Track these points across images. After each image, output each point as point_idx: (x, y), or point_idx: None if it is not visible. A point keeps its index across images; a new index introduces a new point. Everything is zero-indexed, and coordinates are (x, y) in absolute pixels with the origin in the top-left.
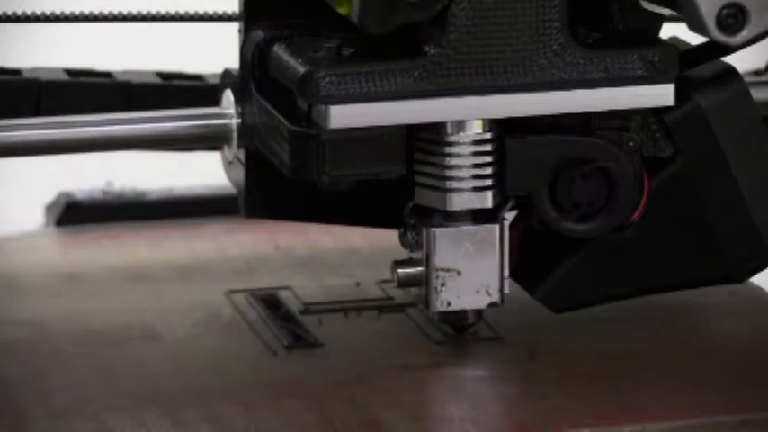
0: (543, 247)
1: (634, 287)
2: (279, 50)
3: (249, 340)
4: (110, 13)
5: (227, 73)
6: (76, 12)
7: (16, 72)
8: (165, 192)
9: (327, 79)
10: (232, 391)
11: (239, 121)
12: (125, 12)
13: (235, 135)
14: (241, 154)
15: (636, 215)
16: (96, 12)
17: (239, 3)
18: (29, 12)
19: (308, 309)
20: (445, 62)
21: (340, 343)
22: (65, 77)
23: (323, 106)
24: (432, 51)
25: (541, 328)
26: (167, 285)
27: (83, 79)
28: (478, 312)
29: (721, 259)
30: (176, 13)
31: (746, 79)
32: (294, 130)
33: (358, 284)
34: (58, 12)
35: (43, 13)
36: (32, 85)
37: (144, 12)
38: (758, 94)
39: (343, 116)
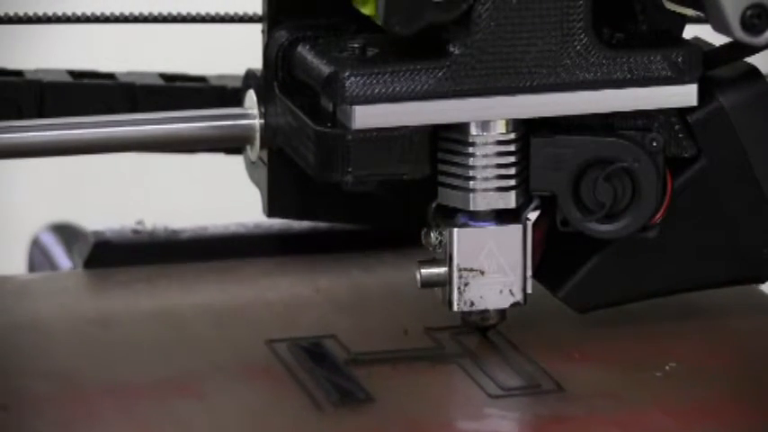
0: (567, 247)
1: (657, 287)
2: (303, 51)
3: (293, 394)
4: (112, 14)
5: (250, 73)
6: (78, 13)
7: (19, 73)
8: (199, 231)
9: (353, 79)
10: None
11: (263, 121)
12: (127, 13)
13: (258, 135)
14: (264, 154)
15: (659, 215)
16: (98, 13)
17: (262, 3)
18: (31, 13)
19: (354, 359)
20: (470, 62)
21: (390, 398)
22: (68, 79)
23: (348, 106)
24: (456, 51)
25: (602, 378)
26: (204, 334)
27: (86, 80)
28: (501, 312)
29: (745, 259)
30: (188, 14)
31: None
32: (319, 130)
33: (406, 332)
34: (60, 13)
35: (45, 14)
36: (35, 87)
37: (155, 13)
38: None
39: (368, 116)
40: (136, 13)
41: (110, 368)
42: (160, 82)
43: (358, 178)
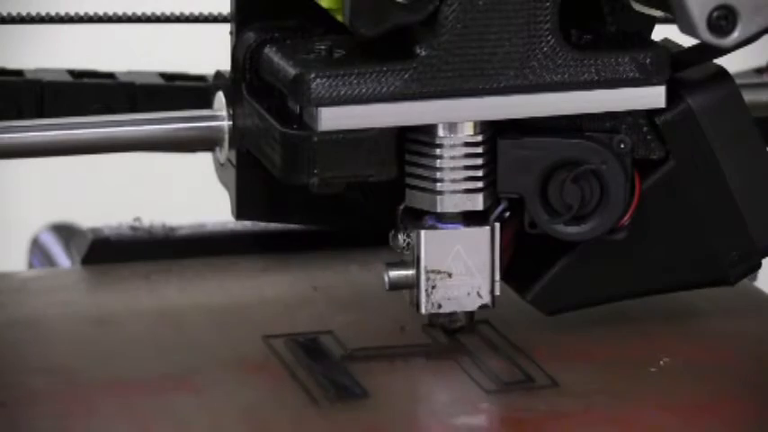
0: (535, 249)
1: (626, 290)
2: (270, 52)
3: (290, 390)
4: (114, 14)
5: (218, 75)
6: (81, 13)
7: (19, 73)
8: (197, 228)
9: (318, 81)
10: None
11: (231, 123)
12: (129, 13)
13: (226, 137)
14: (233, 156)
15: (627, 217)
16: (101, 13)
17: (231, 5)
18: (33, 13)
19: (351, 355)
20: (436, 64)
21: (387, 393)
22: (68, 78)
23: (314, 108)
24: (423, 53)
25: (598, 374)
26: (201, 330)
27: (86, 80)
28: (470, 314)
29: (713, 261)
30: (171, 14)
31: (740, 81)
32: (285, 131)
33: (403, 329)
34: (62, 13)
35: (48, 14)
36: (35, 87)
37: (149, 13)
38: (751, 96)
39: (333, 118)
40: (139, 13)
41: (107, 364)
42: (160, 81)
43: (324, 180)
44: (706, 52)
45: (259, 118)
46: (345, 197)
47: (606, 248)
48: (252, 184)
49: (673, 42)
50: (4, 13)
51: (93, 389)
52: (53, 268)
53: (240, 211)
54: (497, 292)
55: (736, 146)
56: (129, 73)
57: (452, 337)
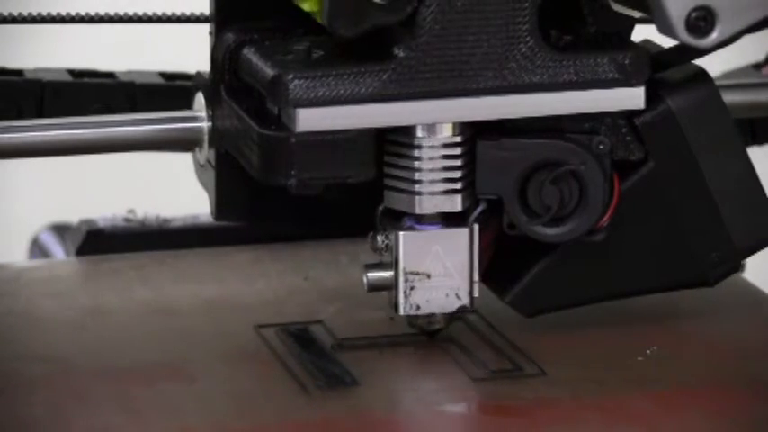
0: (514, 250)
1: (605, 291)
2: (249, 53)
3: (281, 379)
4: (115, 14)
5: (198, 76)
6: (82, 13)
7: (19, 73)
8: (190, 219)
9: (296, 82)
10: None
11: (210, 124)
12: (130, 13)
13: (206, 138)
14: (212, 157)
15: (606, 219)
16: (102, 13)
17: (210, 5)
18: (34, 13)
19: (341, 345)
20: (415, 65)
21: (376, 382)
22: (68, 78)
23: (292, 109)
24: (401, 54)
25: (584, 363)
26: (194, 319)
27: (86, 80)
28: (448, 316)
29: (693, 262)
30: (173, 14)
31: (720, 82)
32: (263, 132)
33: (392, 319)
34: (63, 13)
35: (49, 14)
36: (35, 86)
37: (150, 13)
38: (732, 97)
39: (311, 119)
40: (140, 13)
41: (101, 353)
42: (160, 81)
43: (302, 181)
44: (685, 53)
45: (237, 119)
46: (325, 198)
47: (585, 250)
48: (231, 186)
49: (653, 43)
50: (5, 13)
51: (88, 377)
52: (48, 259)
53: (219, 213)
54: (476, 294)
55: (715, 147)
56: (129, 73)
57: (432, 337)
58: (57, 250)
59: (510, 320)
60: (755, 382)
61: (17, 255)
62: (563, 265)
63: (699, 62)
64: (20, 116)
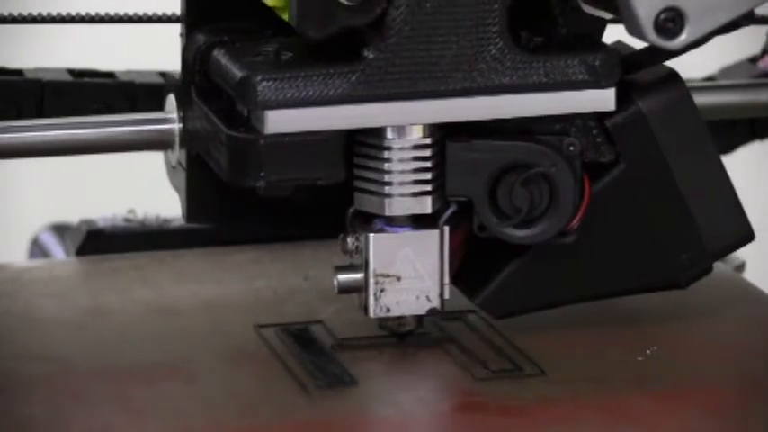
0: (485, 252)
1: (576, 293)
2: (218, 55)
3: (280, 378)
4: (116, 14)
5: (170, 77)
6: (82, 13)
7: (19, 73)
8: None
9: (265, 83)
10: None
11: (181, 125)
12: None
13: (177, 140)
14: (183, 158)
15: (576, 221)
16: (102, 13)
17: (180, 7)
18: (35, 13)
19: (341, 344)
20: (384, 66)
21: (376, 381)
22: (67, 78)
23: (260, 111)
24: (370, 56)
25: (584, 363)
26: (194, 319)
27: (86, 80)
28: (419, 318)
29: (665, 265)
30: (173, 14)
31: (691, 84)
32: (231, 134)
33: None
34: (64, 13)
35: (49, 14)
36: (35, 86)
37: (150, 13)
38: (703, 99)
39: (280, 121)
40: (140, 13)
41: (101, 353)
42: (160, 81)
43: (271, 183)
44: (655, 55)
45: (207, 121)
46: (296, 200)
47: (556, 252)
48: (202, 187)
49: (624, 45)
50: (5, 13)
51: (88, 377)
52: (48, 259)
53: (190, 214)
54: (447, 296)
55: (686, 149)
56: (129, 72)
57: (402, 340)
58: (57, 250)
59: (510, 321)
60: (755, 382)
61: (17, 255)
62: (534, 267)
63: (695, 56)
64: (20, 116)
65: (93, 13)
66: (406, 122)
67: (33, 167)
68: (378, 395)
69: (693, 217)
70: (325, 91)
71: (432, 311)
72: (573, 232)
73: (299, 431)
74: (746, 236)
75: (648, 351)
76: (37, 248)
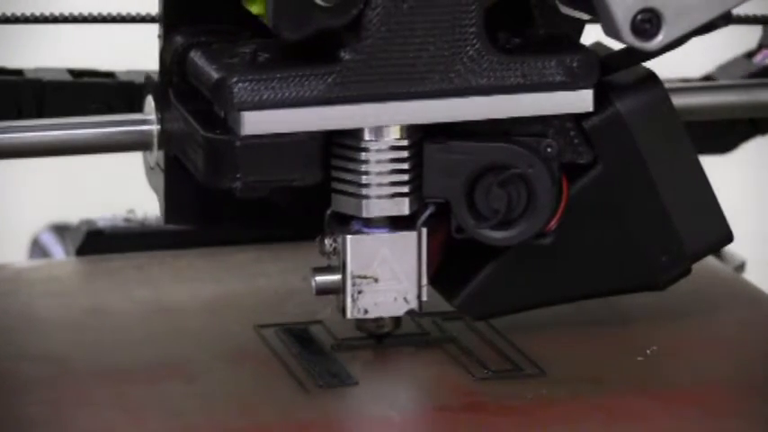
0: (463, 254)
1: (555, 295)
2: (195, 56)
3: (280, 378)
4: (118, 14)
5: (149, 78)
6: (85, 13)
7: (19, 72)
8: None
9: (241, 85)
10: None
11: (159, 127)
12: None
13: (155, 141)
14: (162, 160)
15: (554, 222)
16: (105, 13)
17: (159, 8)
18: (37, 13)
19: (340, 345)
20: (360, 68)
21: (375, 381)
22: (68, 77)
23: (236, 112)
24: (347, 57)
25: (584, 363)
26: (193, 319)
27: (86, 79)
28: (396, 320)
29: (644, 266)
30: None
31: (669, 85)
32: (208, 136)
33: None
34: (66, 13)
35: (52, 14)
36: (35, 86)
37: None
38: (703, 99)
39: (256, 122)
40: (143, 13)
41: (101, 353)
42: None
43: (248, 185)
44: (634, 56)
45: (184, 122)
46: (274, 201)
47: (534, 253)
48: (180, 189)
49: (603, 46)
50: (5, 13)
51: (88, 377)
52: (48, 259)
53: (169, 216)
54: (425, 298)
55: (665, 150)
56: (129, 72)
57: (380, 342)
58: (57, 250)
59: (510, 321)
60: (755, 381)
61: (17, 255)
62: (512, 268)
63: (690, 52)
64: (20, 116)
65: (93, 14)
66: (383, 124)
67: (33, 167)
68: (378, 395)
69: (672, 218)
70: (301, 92)
71: (410, 313)
72: (551, 234)
73: (298, 431)
74: (725, 237)
75: (648, 351)
76: (37, 248)
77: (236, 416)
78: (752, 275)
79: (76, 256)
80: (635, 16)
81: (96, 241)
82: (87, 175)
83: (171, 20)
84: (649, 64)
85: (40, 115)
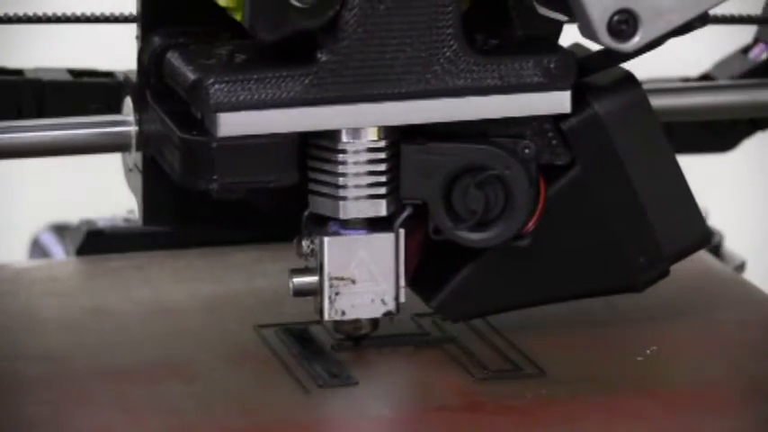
0: (441, 255)
1: (533, 296)
2: (172, 57)
3: (280, 378)
4: (121, 14)
5: (127, 79)
6: (88, 13)
7: (19, 72)
8: None
9: (217, 86)
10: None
11: (137, 128)
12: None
13: (134, 143)
14: (139, 161)
15: (532, 224)
16: (108, 13)
17: (137, 9)
18: (40, 13)
19: (340, 345)
20: (337, 69)
21: (376, 381)
22: (67, 77)
23: (213, 114)
24: (323, 58)
25: (584, 362)
26: (194, 319)
27: (85, 79)
28: (374, 321)
29: (622, 267)
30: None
31: (669, 85)
32: (184, 137)
33: (392, 319)
34: (69, 13)
35: (54, 14)
36: (35, 86)
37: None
38: (703, 98)
39: (233, 123)
40: (117, 13)
41: (101, 353)
42: None
43: (224, 186)
44: (612, 57)
45: (161, 123)
46: (253, 203)
47: (512, 254)
48: (158, 190)
49: (582, 47)
50: (5, 13)
51: (88, 377)
52: (48, 259)
53: (146, 218)
54: (402, 299)
55: (642, 151)
56: (130, 72)
57: (358, 344)
58: (57, 250)
59: (510, 321)
60: (755, 381)
61: (17, 255)
62: (489, 269)
63: (687, 49)
64: (20, 116)
65: (94, 14)
66: (360, 125)
67: (33, 167)
68: (378, 395)
69: (650, 219)
70: (278, 93)
71: (388, 315)
72: (528, 235)
73: (298, 431)
74: (704, 238)
75: (648, 351)
76: (37, 249)
77: (236, 416)
78: (752, 275)
79: (76, 256)
80: (611, 17)
81: (96, 241)
82: (87, 175)
83: (149, 21)
84: (648, 63)
85: (39, 115)
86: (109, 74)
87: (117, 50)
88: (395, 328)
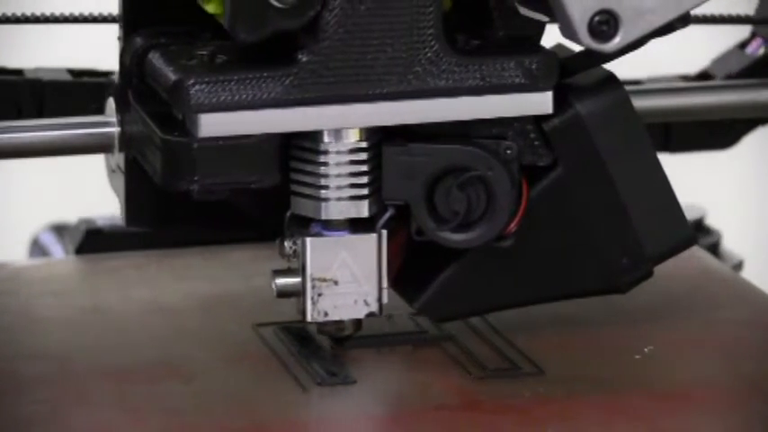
0: (423, 256)
1: (516, 297)
2: (154, 58)
3: (279, 377)
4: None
5: (110, 80)
6: (85, 13)
7: (19, 72)
8: None
9: (198, 87)
10: (262, 430)
11: (119, 129)
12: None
13: (116, 144)
14: (122, 162)
15: (514, 224)
16: (106, 13)
17: (119, 9)
18: (38, 13)
19: (339, 343)
20: (318, 70)
21: (374, 380)
22: (67, 77)
23: (194, 114)
24: (304, 59)
25: (582, 362)
26: (193, 318)
27: (85, 79)
28: (357, 323)
29: (604, 268)
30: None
31: (668, 85)
32: (165, 138)
33: (390, 317)
34: (67, 13)
35: (52, 14)
36: (35, 86)
37: None
38: (703, 98)
39: (214, 124)
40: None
41: (100, 352)
42: None
43: (205, 187)
44: (594, 57)
45: (143, 124)
46: (234, 203)
47: (494, 255)
48: (141, 191)
49: (565, 48)
50: (5, 13)
51: (87, 376)
52: (47, 258)
53: (129, 218)
54: (385, 300)
55: (625, 152)
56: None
57: (340, 346)
58: (57, 250)
59: (509, 320)
60: (754, 382)
61: (17, 255)
62: (472, 270)
63: (684, 47)
64: (20, 116)
65: (93, 14)
66: (341, 126)
67: (33, 167)
68: (376, 394)
69: (632, 220)
70: (258, 94)
71: (370, 316)
72: (510, 236)
73: (298, 430)
74: (687, 239)
75: (646, 350)
76: (37, 249)
77: (235, 415)
78: (749, 274)
79: (75, 254)
80: (592, 18)
81: (95, 240)
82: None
83: (130, 21)
84: (648, 61)
85: (39, 115)
86: (109, 74)
87: (117, 50)
88: (393, 327)
